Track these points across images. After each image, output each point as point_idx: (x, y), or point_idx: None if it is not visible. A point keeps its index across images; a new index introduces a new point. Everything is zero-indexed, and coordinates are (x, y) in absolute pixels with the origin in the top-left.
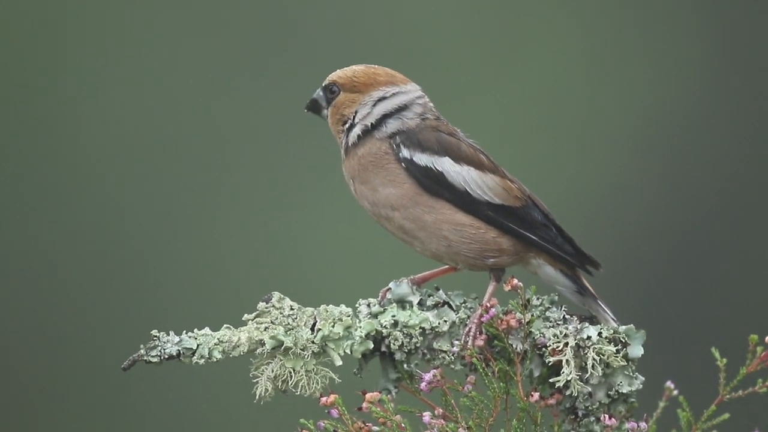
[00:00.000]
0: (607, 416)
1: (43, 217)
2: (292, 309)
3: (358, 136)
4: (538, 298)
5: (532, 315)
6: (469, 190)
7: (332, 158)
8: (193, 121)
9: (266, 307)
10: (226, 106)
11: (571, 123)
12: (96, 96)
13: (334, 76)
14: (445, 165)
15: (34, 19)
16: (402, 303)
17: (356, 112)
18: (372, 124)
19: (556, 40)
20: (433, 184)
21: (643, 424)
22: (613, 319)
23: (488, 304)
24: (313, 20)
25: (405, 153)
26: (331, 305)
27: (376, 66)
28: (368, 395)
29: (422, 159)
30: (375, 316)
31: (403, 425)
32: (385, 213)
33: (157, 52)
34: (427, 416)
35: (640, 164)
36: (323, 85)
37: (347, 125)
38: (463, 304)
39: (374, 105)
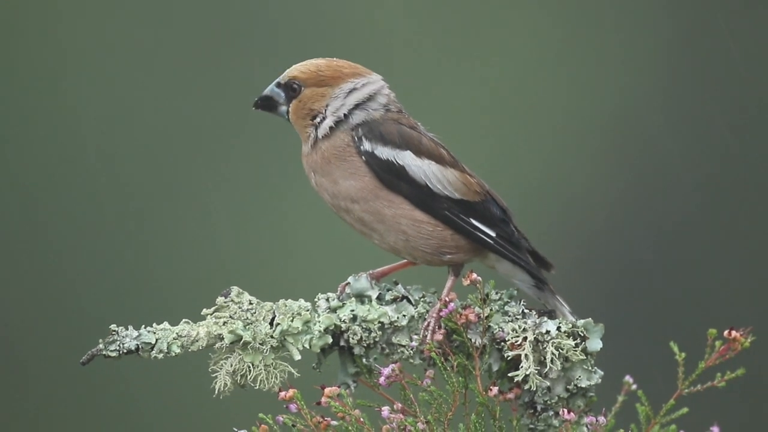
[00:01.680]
0: (565, 410)
1: (5, 210)
2: (250, 303)
3: (330, 128)
4: (497, 293)
5: (491, 309)
6: (429, 185)
7: (291, 152)
8: (159, 116)
9: (225, 302)
10: (192, 102)
11: (542, 119)
12: (81, 93)
13: (294, 71)
14: (407, 159)
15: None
16: (361, 297)
17: (327, 105)
18: (345, 114)
19: (526, 35)
20: (394, 178)
21: (601, 419)
22: (570, 313)
23: (447, 299)
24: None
25: (366, 146)
26: (289, 300)
27: (336, 59)
28: (327, 390)
29: (384, 152)
30: (334, 310)
31: (361, 420)
32: (345, 205)
33: (135, 44)
34: (386, 411)
35: (609, 162)
36: (280, 82)
37: (317, 119)
38: (422, 299)
39: (346, 97)
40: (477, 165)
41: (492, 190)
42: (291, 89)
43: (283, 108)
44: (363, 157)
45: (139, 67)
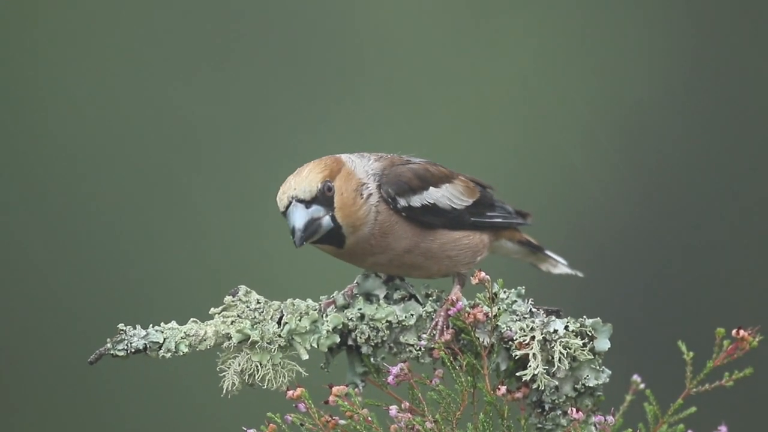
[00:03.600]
0: (574, 410)
1: (10, 210)
2: (258, 303)
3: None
4: (504, 292)
5: (499, 308)
6: (454, 206)
7: (300, 150)
8: (161, 112)
9: (233, 301)
10: (195, 98)
11: (551, 117)
12: (67, 87)
13: (317, 175)
14: (433, 195)
15: None
16: (368, 296)
17: (360, 178)
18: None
19: (534, 33)
20: (431, 217)
21: (610, 418)
22: (563, 264)
23: (454, 298)
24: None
25: (402, 202)
26: (297, 299)
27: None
28: (335, 389)
29: (415, 200)
30: (342, 309)
31: (369, 419)
32: (399, 261)
33: (127, 41)
34: (393, 410)
35: (601, 155)
36: (305, 198)
37: (364, 192)
38: (429, 298)
39: (355, 168)
40: (496, 162)
41: (473, 177)
42: (327, 190)
43: (327, 219)
44: (403, 213)
45: (141, 64)
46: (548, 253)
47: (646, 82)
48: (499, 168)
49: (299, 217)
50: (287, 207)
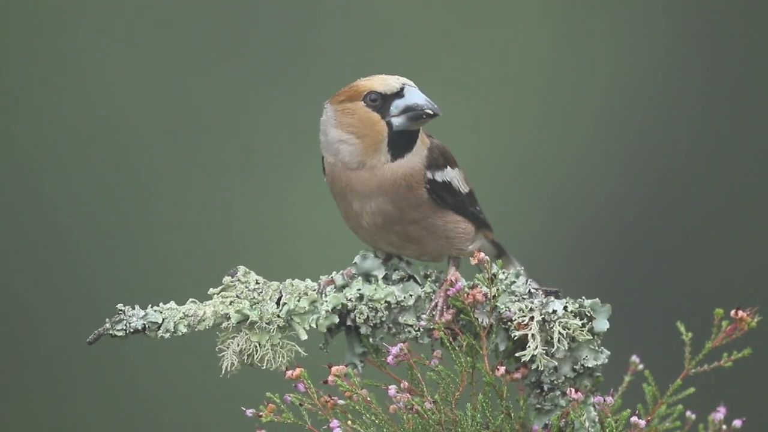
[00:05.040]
0: (573, 390)
1: (8, 192)
2: (257, 283)
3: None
4: (503, 272)
5: (498, 289)
6: (460, 190)
7: (301, 136)
8: (166, 96)
9: (232, 281)
10: (202, 84)
11: (533, 101)
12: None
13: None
14: (449, 174)
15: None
16: (367, 277)
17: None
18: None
19: (518, 16)
20: (447, 195)
21: (609, 399)
22: (521, 270)
23: (453, 278)
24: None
25: (428, 174)
26: (296, 279)
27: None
28: (334, 369)
29: (439, 176)
30: (340, 289)
31: (368, 399)
32: (399, 228)
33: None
34: (392, 390)
35: (604, 142)
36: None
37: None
38: (428, 279)
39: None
40: (479, 149)
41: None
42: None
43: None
44: (426, 186)
45: (149, 46)
46: (511, 256)
47: (658, 79)
48: (484, 149)
49: (420, 94)
50: (401, 89)
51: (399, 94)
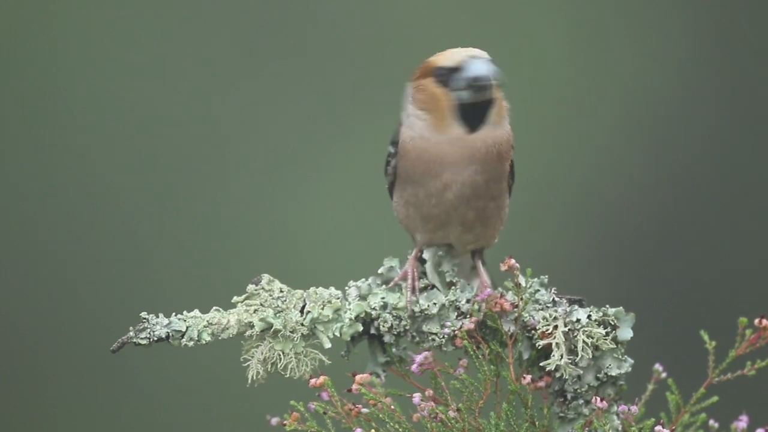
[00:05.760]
0: (598, 399)
1: (34, 201)
2: (281, 291)
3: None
4: (527, 281)
5: (525, 298)
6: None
7: (321, 139)
8: (186, 105)
9: (255, 290)
10: (220, 92)
11: (553, 107)
12: (88, 78)
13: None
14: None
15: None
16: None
17: None
18: None
19: (537, 24)
20: (510, 179)
21: (632, 407)
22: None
23: (488, 281)
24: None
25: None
26: (320, 287)
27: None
28: (358, 377)
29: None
30: (364, 298)
31: (392, 407)
32: (481, 204)
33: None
34: (417, 398)
35: (624, 146)
36: (489, 60)
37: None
38: (452, 286)
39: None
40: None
41: None
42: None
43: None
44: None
45: (156, 48)
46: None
47: (675, 82)
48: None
49: (481, 65)
50: (465, 61)
51: (463, 67)
